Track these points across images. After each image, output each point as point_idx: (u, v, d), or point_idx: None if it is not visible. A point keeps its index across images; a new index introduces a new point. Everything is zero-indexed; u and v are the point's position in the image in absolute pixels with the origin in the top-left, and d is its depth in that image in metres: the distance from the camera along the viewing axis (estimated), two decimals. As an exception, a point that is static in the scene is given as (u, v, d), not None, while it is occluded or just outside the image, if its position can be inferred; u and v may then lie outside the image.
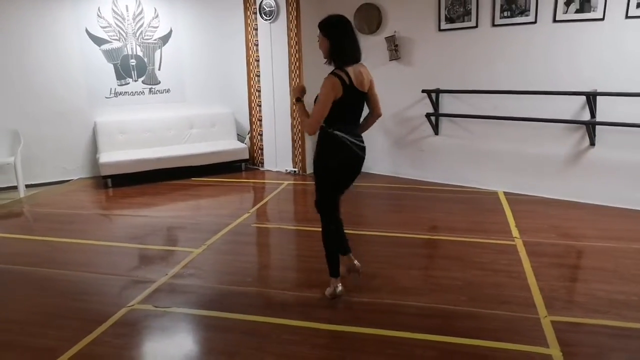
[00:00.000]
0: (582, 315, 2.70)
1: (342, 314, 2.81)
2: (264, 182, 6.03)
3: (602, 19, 4.36)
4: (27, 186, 5.71)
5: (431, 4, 5.30)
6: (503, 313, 2.75)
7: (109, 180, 5.84)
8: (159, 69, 6.59)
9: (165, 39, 6.54)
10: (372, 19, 5.71)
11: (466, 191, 5.29)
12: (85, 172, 6.37)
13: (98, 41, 6.14)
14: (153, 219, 4.70)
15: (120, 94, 6.41)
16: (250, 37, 6.33)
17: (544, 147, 4.90)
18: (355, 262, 3.08)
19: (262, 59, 6.28)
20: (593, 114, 4.52)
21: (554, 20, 4.61)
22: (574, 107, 4.65)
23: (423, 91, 5.42)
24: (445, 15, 5.23)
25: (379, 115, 3.04)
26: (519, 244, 3.75)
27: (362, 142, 2.91)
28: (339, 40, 2.72)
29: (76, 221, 4.66)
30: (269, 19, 6.02)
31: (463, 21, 5.13)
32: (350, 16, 5.73)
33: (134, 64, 6.41)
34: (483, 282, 3.14)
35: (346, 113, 2.81)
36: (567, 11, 4.51)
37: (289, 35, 5.92)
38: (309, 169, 6.25)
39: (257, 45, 6.29)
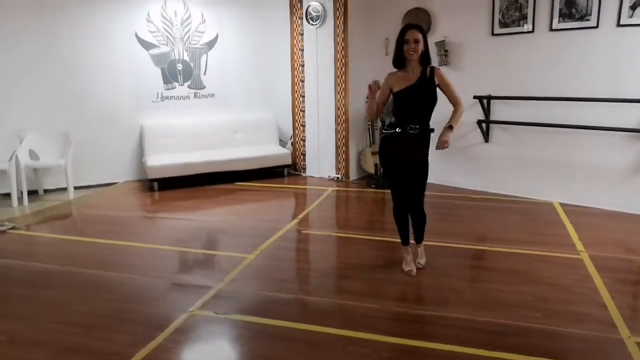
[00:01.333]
0: (669, 338, 2.53)
1: (408, 327, 2.71)
2: (307, 188, 5.97)
3: (672, 23, 4.15)
4: (75, 188, 5.79)
5: (485, 8, 5.16)
6: (582, 332, 2.60)
7: (156, 184, 5.88)
8: (205, 74, 6.63)
9: (211, 44, 6.58)
10: (422, 23, 5.58)
11: (519, 201, 5.11)
12: (131, 175, 6.43)
13: (147, 45, 6.22)
14: (202, 222, 4.69)
15: (167, 98, 6.47)
16: (295, 42, 6.30)
17: (603, 157, 4.69)
18: None
19: (307, 65, 6.24)
20: (660, 123, 4.31)
21: (618, 25, 4.41)
22: (638, 116, 4.44)
23: (475, 97, 5.27)
24: (500, 20, 5.08)
25: None
26: (585, 258, 3.57)
27: None
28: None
29: (127, 224, 4.69)
30: (316, 24, 5.98)
31: (518, 25, 4.97)
32: (398, 20, 5.74)
33: (180, 68, 6.47)
34: (555, 298, 2.99)
35: None
36: (632, 15, 4.32)
37: (335, 40, 5.87)
38: (352, 176, 6.17)
39: (302, 50, 6.25)
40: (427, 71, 3.09)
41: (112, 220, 4.78)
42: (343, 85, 5.88)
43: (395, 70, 3.18)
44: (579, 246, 3.80)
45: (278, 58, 6.65)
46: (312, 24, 6.01)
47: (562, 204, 4.89)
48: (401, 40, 3.05)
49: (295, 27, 6.26)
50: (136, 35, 6.14)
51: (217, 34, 6.59)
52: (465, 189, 5.60)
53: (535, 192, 5.17)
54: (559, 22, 4.71)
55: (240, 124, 6.77)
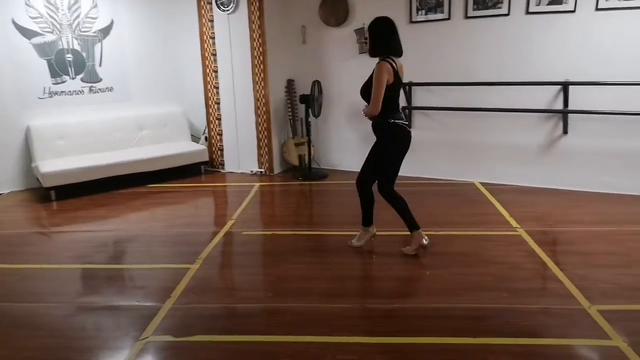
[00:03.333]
0: (623, 302, 2.72)
1: (388, 324, 2.60)
2: (232, 185, 5.61)
3: (574, 11, 4.51)
4: (-53, 204, 4.83)
5: (402, -5, 5.21)
6: (549, 307, 2.70)
7: (52, 193, 5.11)
8: (100, 65, 5.89)
9: (105, 31, 5.86)
10: (339, 10, 5.51)
11: (443, 183, 5.28)
12: (18, 185, 5.52)
13: (27, 34, 5.34)
14: (121, 232, 4.15)
15: (56, 93, 5.64)
16: (205, 30, 5.85)
17: (517, 136, 5.01)
18: (425, 240, 3.40)
19: (220, 54, 5.83)
20: (567, 103, 4.69)
21: (527, 12, 4.70)
22: (547, 97, 4.80)
23: (397, 84, 5.32)
24: (417, 7, 5.16)
25: None
26: (523, 234, 3.77)
27: (406, 120, 3.37)
28: (379, 35, 3.20)
29: (25, 243, 3.99)
30: (227, 10, 5.59)
31: (435, 13, 5.09)
32: (315, 7, 5.59)
33: (70, 59, 5.67)
34: (512, 276, 3.08)
35: (396, 98, 3.27)
36: (539, 3, 4.63)
37: (250, 27, 5.54)
38: (276, 169, 5.94)
39: (213, 38, 5.83)
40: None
41: (8, 240, 4.03)
42: (262, 75, 5.59)
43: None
44: (513, 223, 4.00)
45: (185, 47, 6.14)
46: (224, 10, 5.61)
47: (483, 184, 5.15)
48: None
49: (203, 12, 5.80)
50: (13, 21, 5.23)
51: (112, 20, 5.88)
52: (389, 175, 5.65)
53: (456, 173, 5.38)
54: (473, 9, 4.90)
55: (146, 119, 6.16)
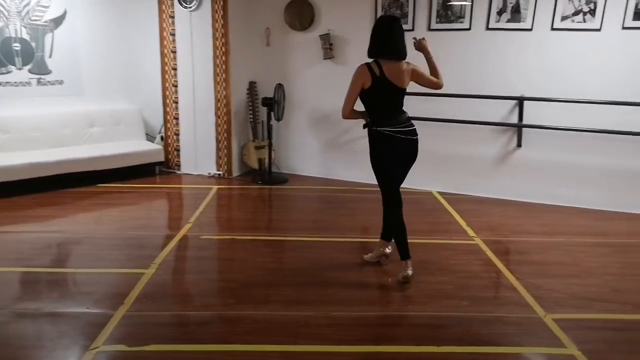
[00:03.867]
0: (576, 311, 2.82)
1: (355, 332, 2.57)
2: (188, 188, 5.44)
3: (531, 29, 4.70)
4: None
5: (367, 4, 5.24)
6: (508, 315, 2.76)
7: (-7, 190, 4.78)
8: (50, 57, 5.58)
9: (58, 21, 5.56)
10: (305, 14, 5.49)
11: (402, 192, 5.29)
12: (-48, 180, 5.12)
13: (-30, 18, 5.00)
14: (70, 234, 3.92)
15: (0, 84, 5.30)
16: (165, 26, 5.66)
17: (474, 148, 5.14)
18: (388, 249, 3.42)
19: (181, 51, 5.66)
20: (521, 118, 4.87)
21: (487, 28, 4.85)
22: (503, 111, 4.96)
23: (360, 92, 5.35)
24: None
25: (439, 87, 3.34)
26: (480, 243, 3.85)
27: (409, 126, 3.11)
28: (372, 36, 3.08)
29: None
30: (190, 7, 5.44)
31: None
32: (280, 10, 5.54)
33: (18, 48, 5.34)
34: (471, 284, 3.14)
35: (381, 104, 3.06)
36: (499, 20, 4.78)
37: (213, 26, 5.41)
38: (235, 172, 5.82)
39: (173, 35, 5.65)
40: None
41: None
42: (224, 75, 5.47)
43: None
44: (470, 232, 4.09)
45: (144, 42, 5.91)
46: (186, 7, 5.46)
47: (440, 193, 5.24)
48: None
49: (164, 8, 5.61)
50: (-45, 4, 4.89)
51: (65, 10, 5.59)
52: (349, 181, 5.64)
53: (415, 182, 5.38)
54: (436, 22, 5.01)
55: (98, 116, 5.87)
